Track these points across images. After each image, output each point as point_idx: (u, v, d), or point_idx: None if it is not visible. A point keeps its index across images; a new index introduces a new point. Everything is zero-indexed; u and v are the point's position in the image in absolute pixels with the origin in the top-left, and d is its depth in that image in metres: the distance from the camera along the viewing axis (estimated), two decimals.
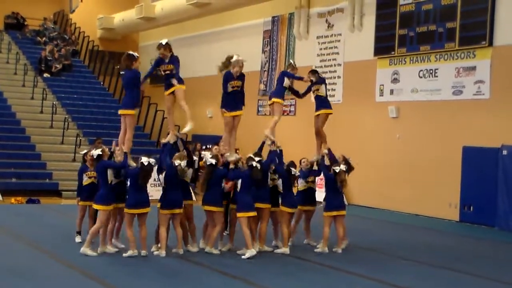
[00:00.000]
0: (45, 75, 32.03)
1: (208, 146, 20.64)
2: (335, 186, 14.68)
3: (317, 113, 16.56)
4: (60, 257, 13.12)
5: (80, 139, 26.63)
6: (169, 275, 12.01)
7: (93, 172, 14.22)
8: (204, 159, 14.38)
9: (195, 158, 15.04)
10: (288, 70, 16.42)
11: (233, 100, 16.12)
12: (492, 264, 14.65)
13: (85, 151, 15.47)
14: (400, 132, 22.79)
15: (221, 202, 14.14)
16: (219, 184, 14.17)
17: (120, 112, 14.42)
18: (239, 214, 13.80)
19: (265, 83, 29.13)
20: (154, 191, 17.81)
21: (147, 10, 33.49)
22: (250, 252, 13.43)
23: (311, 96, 16.88)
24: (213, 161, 13.97)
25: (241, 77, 15.95)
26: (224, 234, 14.87)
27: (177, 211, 13.55)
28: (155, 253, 13.55)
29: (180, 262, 13.02)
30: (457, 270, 13.52)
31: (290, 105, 27.72)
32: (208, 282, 11.52)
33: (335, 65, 25.78)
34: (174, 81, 15.49)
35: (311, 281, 11.96)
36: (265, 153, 15.21)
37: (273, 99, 16.42)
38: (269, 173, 14.55)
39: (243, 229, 13.51)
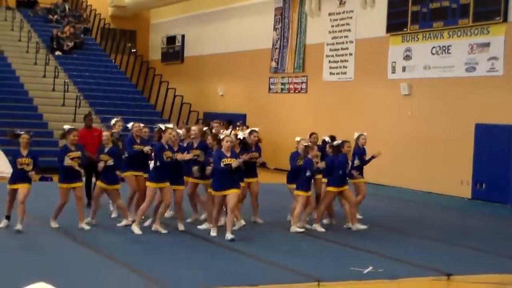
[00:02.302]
0: (57, 53, 32.04)
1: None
2: None
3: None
4: (69, 232, 13.32)
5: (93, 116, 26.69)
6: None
7: (76, 153, 14.01)
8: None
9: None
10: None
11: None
12: (502, 240, 14.67)
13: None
14: (413, 109, 22.72)
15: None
16: None
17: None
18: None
19: (276, 60, 29.02)
20: None
21: None
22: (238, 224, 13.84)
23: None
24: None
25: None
26: None
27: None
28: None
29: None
30: (467, 247, 13.54)
31: (302, 82, 27.68)
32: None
33: (346, 42, 25.70)
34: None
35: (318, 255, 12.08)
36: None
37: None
38: None
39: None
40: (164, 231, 13.55)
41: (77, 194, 13.86)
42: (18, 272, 9.77)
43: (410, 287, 10.41)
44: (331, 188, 14.59)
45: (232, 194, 13.16)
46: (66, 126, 14.58)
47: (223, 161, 13.19)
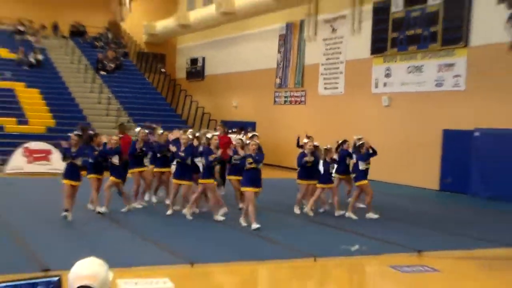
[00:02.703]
0: (102, 73, 32.22)
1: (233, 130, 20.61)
2: None
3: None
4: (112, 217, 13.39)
5: (131, 125, 26.82)
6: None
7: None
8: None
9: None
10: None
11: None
12: (463, 223, 14.78)
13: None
14: (392, 117, 22.76)
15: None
16: None
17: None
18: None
19: (280, 77, 29.09)
20: None
21: (183, 18, 33.53)
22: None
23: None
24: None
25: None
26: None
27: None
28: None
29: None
30: (435, 229, 13.62)
31: (301, 96, 27.79)
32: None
33: (338, 62, 25.70)
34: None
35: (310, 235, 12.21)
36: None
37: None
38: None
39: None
40: (190, 217, 13.59)
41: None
42: (75, 249, 9.67)
43: (388, 261, 10.36)
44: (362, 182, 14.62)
45: (210, 185, 13.66)
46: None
47: (211, 157, 13.36)
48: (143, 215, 14.19)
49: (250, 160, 12.63)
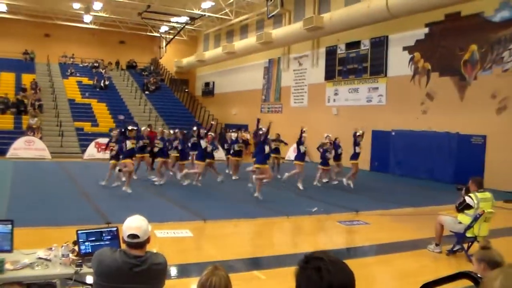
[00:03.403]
0: (146, 92, 32.10)
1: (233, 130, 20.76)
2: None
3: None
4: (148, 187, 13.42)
5: (165, 128, 26.80)
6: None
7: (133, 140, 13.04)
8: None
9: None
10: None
11: None
12: (386, 192, 14.86)
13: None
14: (339, 122, 22.85)
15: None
16: None
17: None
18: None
19: (264, 95, 29.13)
20: None
21: (200, 56, 33.47)
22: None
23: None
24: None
25: None
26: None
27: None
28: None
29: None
30: (367, 196, 13.64)
31: (279, 107, 27.84)
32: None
33: (303, 85, 25.75)
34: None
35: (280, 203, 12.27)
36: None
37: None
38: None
39: None
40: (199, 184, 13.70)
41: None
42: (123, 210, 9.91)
43: (336, 218, 10.49)
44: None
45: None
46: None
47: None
48: (171, 186, 14.12)
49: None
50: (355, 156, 15.30)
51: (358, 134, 15.35)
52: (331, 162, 15.73)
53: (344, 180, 15.18)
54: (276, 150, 16.55)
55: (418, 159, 18.24)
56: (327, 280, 1.68)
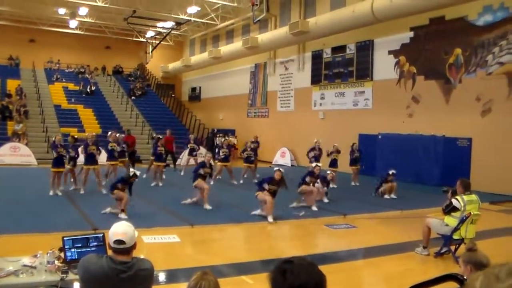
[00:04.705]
0: (133, 98, 31.90)
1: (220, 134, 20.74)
2: None
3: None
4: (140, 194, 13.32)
5: (152, 132, 26.71)
6: None
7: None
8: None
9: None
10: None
11: None
12: (371, 195, 14.82)
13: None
14: (325, 126, 22.94)
15: None
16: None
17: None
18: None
19: (251, 99, 29.13)
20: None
21: (186, 61, 33.36)
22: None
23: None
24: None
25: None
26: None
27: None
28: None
29: None
30: (355, 199, 13.58)
31: (265, 111, 27.87)
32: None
33: (289, 90, 25.77)
34: None
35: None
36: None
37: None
38: None
39: None
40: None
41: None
42: (113, 215, 9.70)
43: (324, 222, 10.50)
44: None
45: None
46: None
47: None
48: (160, 190, 14.06)
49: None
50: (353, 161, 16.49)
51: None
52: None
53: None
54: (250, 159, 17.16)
55: (404, 162, 18.32)
56: (289, 281, 1.73)
